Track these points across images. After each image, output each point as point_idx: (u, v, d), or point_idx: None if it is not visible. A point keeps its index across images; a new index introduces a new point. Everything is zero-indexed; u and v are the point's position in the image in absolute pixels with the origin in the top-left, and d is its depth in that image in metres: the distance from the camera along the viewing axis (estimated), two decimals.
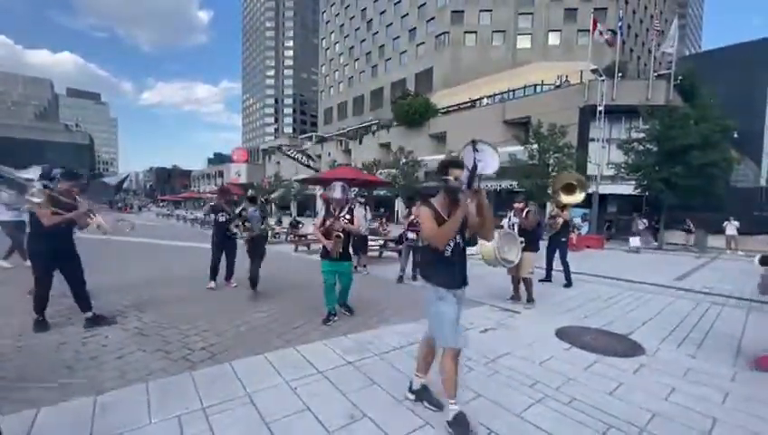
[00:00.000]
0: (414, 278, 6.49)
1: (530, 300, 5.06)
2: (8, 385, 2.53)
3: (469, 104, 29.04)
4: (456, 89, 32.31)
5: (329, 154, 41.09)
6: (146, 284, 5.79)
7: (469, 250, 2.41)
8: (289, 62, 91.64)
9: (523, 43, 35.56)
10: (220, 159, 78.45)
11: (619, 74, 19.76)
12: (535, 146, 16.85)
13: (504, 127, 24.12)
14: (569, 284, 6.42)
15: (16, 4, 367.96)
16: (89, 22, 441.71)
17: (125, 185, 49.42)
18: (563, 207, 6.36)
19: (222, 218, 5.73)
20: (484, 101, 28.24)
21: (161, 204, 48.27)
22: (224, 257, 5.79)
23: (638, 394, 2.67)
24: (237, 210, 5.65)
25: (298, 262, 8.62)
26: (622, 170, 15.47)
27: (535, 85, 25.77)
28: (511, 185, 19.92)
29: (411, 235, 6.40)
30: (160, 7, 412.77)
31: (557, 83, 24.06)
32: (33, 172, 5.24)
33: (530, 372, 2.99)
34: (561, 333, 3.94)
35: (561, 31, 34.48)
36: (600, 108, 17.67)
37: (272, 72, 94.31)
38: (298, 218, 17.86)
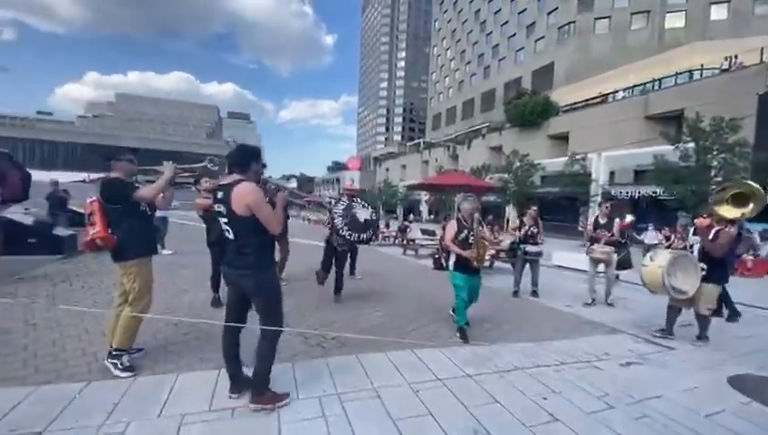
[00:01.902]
0: (534, 295, 6.03)
1: (701, 338, 4.08)
2: (201, 345, 3.28)
3: (599, 99, 25.56)
4: (582, 83, 28.76)
5: (435, 160, 41.30)
6: (285, 274, 6.76)
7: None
8: (400, 73, 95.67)
9: (674, 21, 29.58)
10: (337, 167, 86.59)
11: None
12: (691, 145, 13.81)
13: (646, 123, 20.54)
14: (733, 316, 5.11)
15: (198, 49, 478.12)
16: (246, 57, 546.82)
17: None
18: (729, 221, 5.08)
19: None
20: (619, 94, 24.47)
21: (291, 207, 55.63)
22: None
23: None
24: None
25: (407, 266, 8.90)
26: None
27: (691, 71, 21.17)
28: (654, 192, 16.79)
29: (533, 248, 5.97)
30: (296, 38, 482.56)
31: (723, 67, 19.31)
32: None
33: (692, 424, 2.46)
34: (736, 383, 3.13)
35: (730, 1, 27.53)
36: None
37: (384, 84, 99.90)
38: (406, 223, 18.41)
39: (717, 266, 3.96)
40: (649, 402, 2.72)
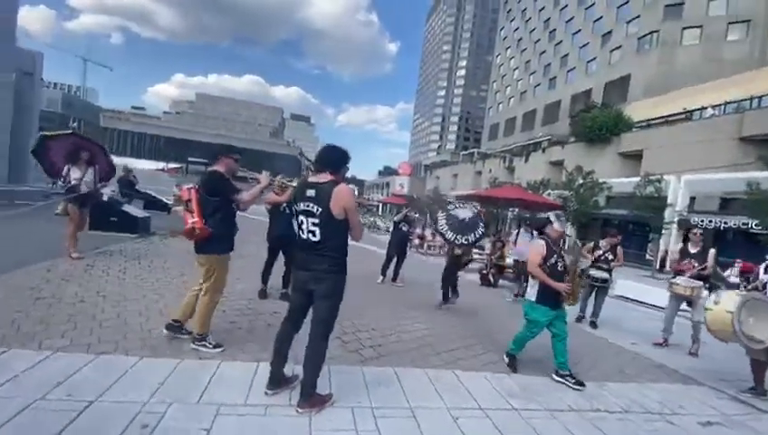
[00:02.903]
0: (592, 325, 5.46)
1: None
2: (245, 335, 3.35)
3: (683, 116, 23.03)
4: (663, 98, 26.08)
5: (489, 171, 39.95)
6: None
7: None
8: (460, 81, 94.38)
9: None
10: (388, 171, 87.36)
11: None
12: None
13: (739, 145, 18.13)
14: None
15: (268, 54, 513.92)
16: (310, 63, 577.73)
17: None
18: None
19: (404, 228, 6.48)
20: (708, 111, 21.84)
21: None
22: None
23: None
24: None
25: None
26: None
27: None
28: (745, 224, 14.68)
29: (598, 273, 5.41)
30: (360, 46, 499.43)
31: None
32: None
33: None
34: None
35: None
36: None
37: (442, 93, 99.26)
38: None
39: None
40: None
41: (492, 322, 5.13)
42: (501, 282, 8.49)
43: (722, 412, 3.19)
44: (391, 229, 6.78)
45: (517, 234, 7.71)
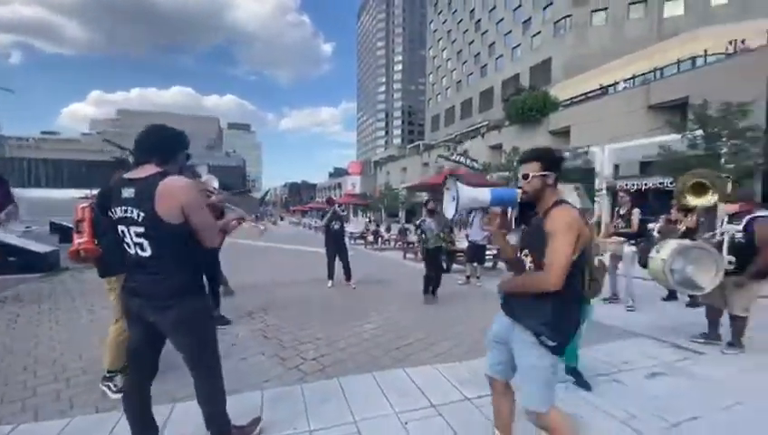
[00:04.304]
0: None
1: (734, 344, 3.49)
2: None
3: (599, 92, 25.06)
4: (581, 77, 28.28)
5: (436, 160, 40.83)
6: (274, 285, 6.36)
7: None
8: (398, 77, 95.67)
9: (673, 9, 29.11)
10: (339, 172, 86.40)
11: None
12: (699, 132, 13.26)
13: (648, 113, 20.01)
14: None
15: (197, 64, 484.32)
16: (243, 69, 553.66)
17: (266, 198, 58.98)
18: (689, 210, 4.73)
19: (336, 226, 6.19)
20: (620, 85, 23.95)
21: (293, 214, 55.46)
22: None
23: None
24: (417, 222, 6.12)
25: (407, 271, 8.44)
26: None
27: (693, 58, 20.64)
28: (661, 183, 16.25)
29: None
30: (294, 48, 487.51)
31: (728, 51, 18.76)
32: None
33: None
34: None
35: None
36: None
37: (382, 89, 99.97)
38: (407, 225, 18.01)
39: (749, 260, 3.33)
40: (686, 427, 2.25)
41: (444, 309, 5.01)
42: (454, 267, 8.52)
43: (663, 361, 3.29)
44: (324, 232, 6.53)
45: (473, 217, 7.71)
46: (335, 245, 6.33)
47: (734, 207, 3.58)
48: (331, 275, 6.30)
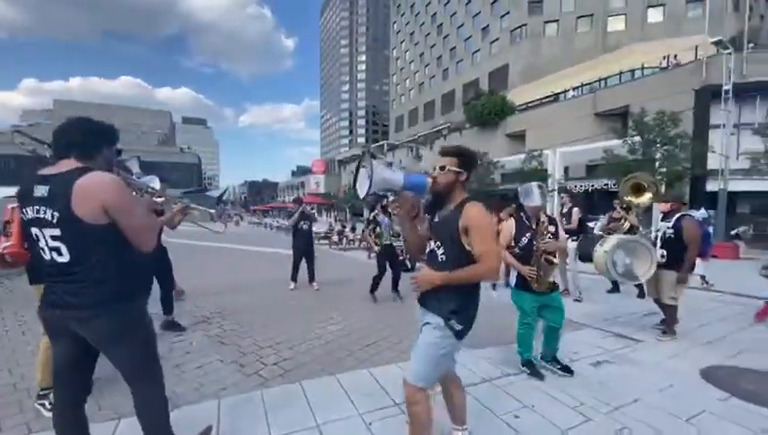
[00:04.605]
0: (494, 288, 5.84)
1: (667, 331, 3.87)
2: (102, 385, 2.64)
3: (552, 98, 26.62)
4: (536, 84, 29.90)
5: (400, 161, 41.29)
6: (232, 289, 6.10)
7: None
8: (362, 76, 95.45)
9: (616, 25, 31.57)
10: (302, 171, 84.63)
11: (750, 45, 16.16)
12: (638, 138, 14.52)
13: (595, 120, 21.56)
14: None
15: (149, 53, 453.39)
16: (199, 60, 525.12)
17: (224, 197, 56.31)
18: (628, 208, 5.29)
19: (305, 226, 6.09)
20: (570, 93, 25.59)
21: (253, 213, 53.52)
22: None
23: None
24: (371, 215, 6.12)
25: (371, 270, 8.43)
26: (762, 162, 12.45)
27: (633, 70, 22.51)
28: (605, 184, 17.59)
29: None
30: (254, 42, 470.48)
31: (662, 65, 20.69)
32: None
33: (678, 432, 2.21)
34: (710, 376, 2.97)
35: (665, 5, 29.79)
36: (726, 87, 14.57)
37: (346, 87, 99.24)
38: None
39: (677, 253, 3.78)
40: (628, 410, 2.45)
41: (408, 307, 5.07)
42: (417, 265, 8.65)
43: (607, 350, 3.57)
44: (292, 233, 6.38)
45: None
46: (304, 246, 6.20)
47: (666, 207, 3.99)
48: (294, 277, 6.16)
